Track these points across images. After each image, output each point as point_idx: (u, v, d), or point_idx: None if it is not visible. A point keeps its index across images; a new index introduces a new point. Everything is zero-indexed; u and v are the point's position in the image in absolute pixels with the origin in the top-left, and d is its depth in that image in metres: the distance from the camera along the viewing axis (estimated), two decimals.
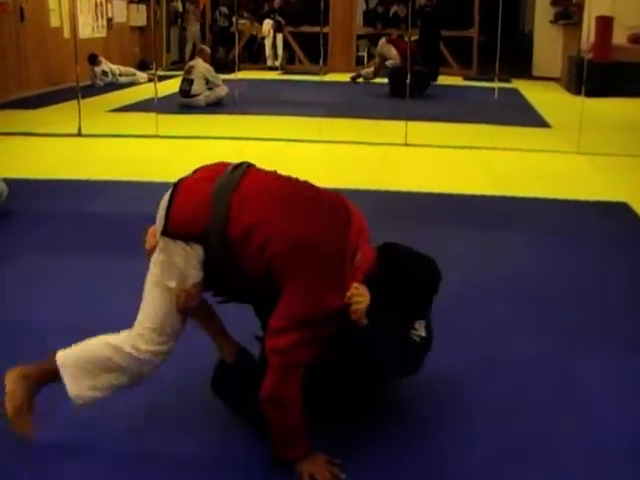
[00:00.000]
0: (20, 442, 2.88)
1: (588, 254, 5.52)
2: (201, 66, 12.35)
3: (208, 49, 13.57)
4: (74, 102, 10.44)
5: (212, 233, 2.79)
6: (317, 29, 17.83)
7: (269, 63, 18.51)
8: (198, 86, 12.28)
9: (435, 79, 15.36)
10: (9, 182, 6.58)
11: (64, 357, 2.96)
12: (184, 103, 12.37)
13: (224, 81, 12.88)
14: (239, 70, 17.38)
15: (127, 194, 7.06)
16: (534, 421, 3.33)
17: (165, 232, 2.86)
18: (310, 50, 18.41)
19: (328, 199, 3.01)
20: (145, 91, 14.07)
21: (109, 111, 12.01)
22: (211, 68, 12.62)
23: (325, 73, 16.85)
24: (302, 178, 3.13)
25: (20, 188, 6.98)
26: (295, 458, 2.88)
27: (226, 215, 2.78)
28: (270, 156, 8.57)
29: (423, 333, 3.15)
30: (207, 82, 12.41)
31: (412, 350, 3.13)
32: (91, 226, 6.13)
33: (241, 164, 3.01)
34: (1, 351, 3.86)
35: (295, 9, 18.72)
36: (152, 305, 2.94)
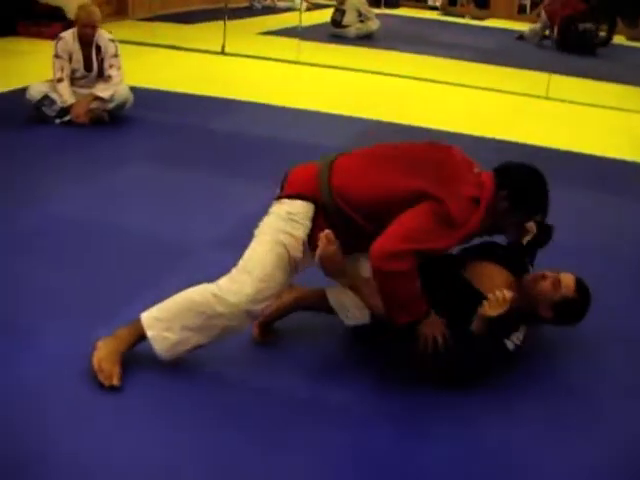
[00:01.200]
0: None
1: None
2: None
3: None
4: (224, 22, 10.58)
5: (322, 191, 3.00)
6: None
7: (430, 2, 18.15)
8: (350, 17, 12.19)
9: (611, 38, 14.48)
10: (143, 91, 6.76)
11: (149, 317, 3.03)
12: (334, 33, 12.33)
13: (381, 15, 12.73)
14: (400, 6, 17.29)
15: (255, 115, 7.13)
16: None
17: (281, 195, 3.06)
18: None
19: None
20: (306, 18, 14.11)
21: (258, 34, 12.08)
22: (364, 1, 12.46)
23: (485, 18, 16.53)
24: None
25: (150, 98, 7.18)
26: (412, 321, 2.92)
27: (329, 176, 3.02)
28: (405, 94, 8.50)
29: (519, 342, 3.20)
30: (359, 14, 12.26)
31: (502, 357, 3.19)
32: (206, 142, 6.23)
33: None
34: (90, 252, 4.02)
35: None
36: (262, 259, 3.01)
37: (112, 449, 2.61)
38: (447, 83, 9.19)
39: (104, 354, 2.96)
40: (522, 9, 18.12)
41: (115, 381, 2.91)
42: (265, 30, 12.31)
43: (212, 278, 3.08)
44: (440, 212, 2.87)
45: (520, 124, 7.70)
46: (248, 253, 3.04)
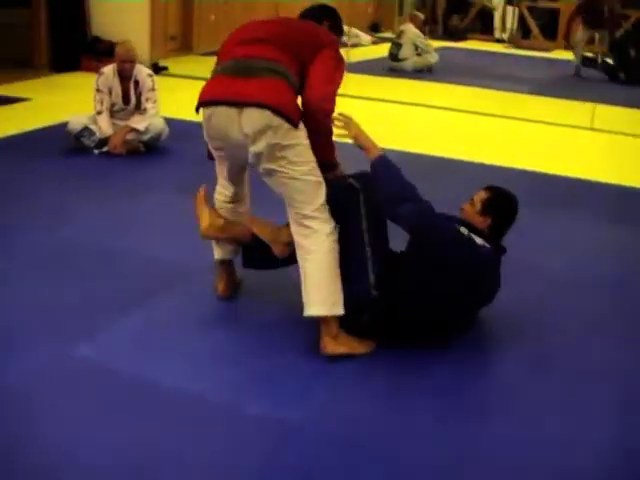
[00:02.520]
0: None
1: None
2: (411, 32, 12.38)
3: (421, 15, 13.52)
4: None
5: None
6: (553, 4, 17.43)
7: (497, 35, 18.19)
8: (407, 51, 12.34)
9: None
10: (189, 124, 7.02)
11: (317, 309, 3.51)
12: (392, 67, 12.50)
13: (443, 48, 12.78)
14: (467, 39, 17.38)
15: None
16: None
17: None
18: (546, 26, 17.98)
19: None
20: (363, 53, 14.34)
21: None
22: (421, 34, 12.63)
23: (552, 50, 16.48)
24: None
25: (194, 130, 7.40)
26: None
27: None
28: (452, 126, 8.59)
29: None
30: (417, 48, 12.41)
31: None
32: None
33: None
34: (91, 271, 4.28)
35: None
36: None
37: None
38: (494, 115, 9.26)
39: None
40: (590, 40, 17.96)
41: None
42: None
43: (207, 299, 3.61)
44: (335, 55, 3.54)
45: (564, 156, 7.68)
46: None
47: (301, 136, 3.40)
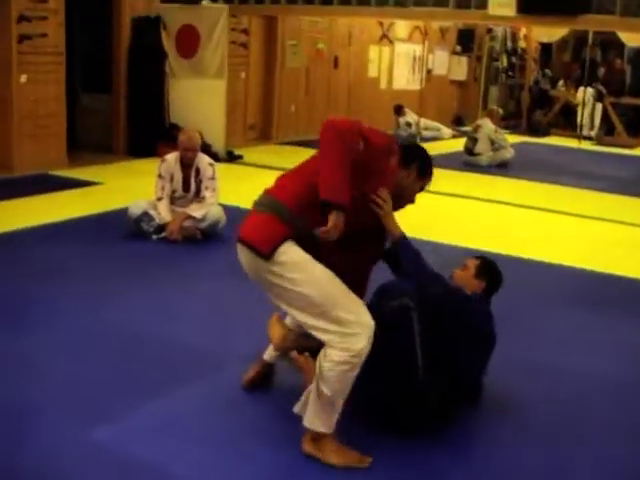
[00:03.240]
0: None
1: None
2: (487, 126, 12.36)
3: (499, 109, 13.53)
4: None
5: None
6: (637, 100, 17.24)
7: (585, 132, 17.95)
8: (482, 145, 12.30)
9: None
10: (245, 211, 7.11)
11: (310, 424, 3.40)
12: (467, 161, 12.46)
13: (523, 144, 12.59)
14: (550, 135, 17.26)
15: None
16: None
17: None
18: (630, 122, 17.77)
19: None
20: (441, 146, 14.34)
21: None
22: (498, 129, 12.58)
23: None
24: None
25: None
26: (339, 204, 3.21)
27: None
28: (521, 223, 8.47)
29: None
30: (492, 143, 12.36)
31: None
32: None
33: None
34: (123, 356, 4.31)
35: (617, 79, 18.06)
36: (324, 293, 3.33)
37: None
38: (564, 213, 9.08)
39: None
40: None
41: None
42: None
43: (233, 392, 3.68)
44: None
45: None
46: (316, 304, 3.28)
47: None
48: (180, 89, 11.13)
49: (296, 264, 3.27)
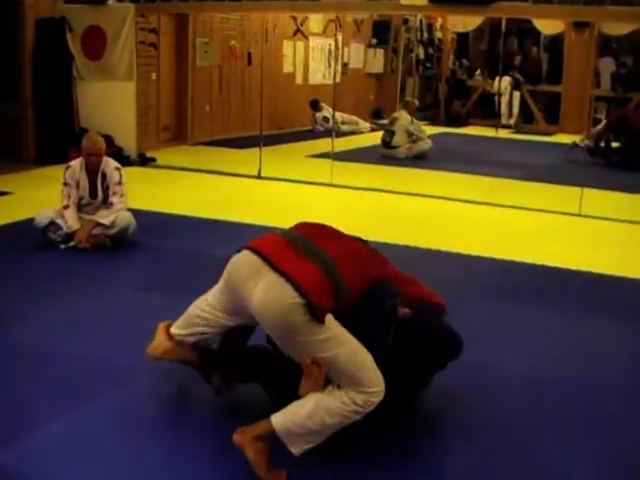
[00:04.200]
0: None
1: None
2: (404, 118, 12.33)
3: (415, 101, 13.53)
4: (280, 146, 11.00)
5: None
6: (555, 88, 17.43)
7: (504, 121, 18.05)
8: (399, 138, 12.27)
9: None
10: (163, 216, 7.07)
11: (280, 426, 3.16)
12: (385, 154, 12.42)
13: (441, 134, 12.58)
14: (469, 124, 17.35)
15: None
16: None
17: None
18: (548, 110, 17.96)
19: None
20: (360, 140, 14.31)
21: (307, 156, 12.25)
22: (415, 120, 12.56)
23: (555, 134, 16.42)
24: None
25: (168, 223, 7.41)
26: None
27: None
28: (440, 215, 8.44)
29: None
30: (410, 135, 12.33)
31: None
32: (201, 268, 6.19)
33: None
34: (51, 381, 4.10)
35: (534, 67, 18.21)
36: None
37: None
38: (482, 203, 9.07)
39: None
40: (597, 123, 17.89)
41: None
42: (316, 153, 12.37)
43: (136, 407, 3.54)
44: None
45: (549, 244, 7.46)
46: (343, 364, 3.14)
47: None
48: (89, 92, 10.84)
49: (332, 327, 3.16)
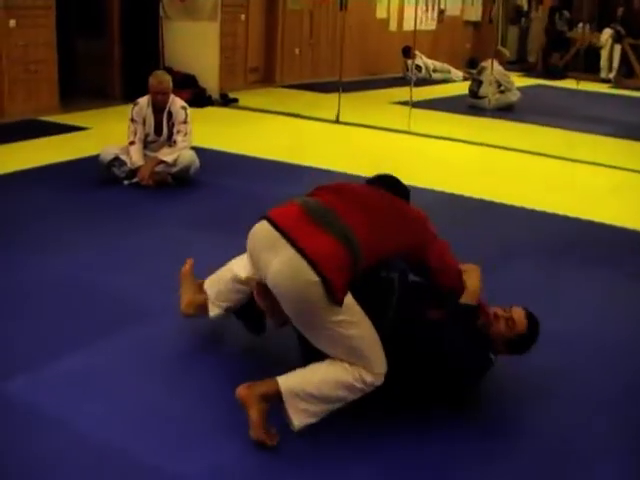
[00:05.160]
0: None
1: None
2: (493, 68, 12.02)
3: (506, 51, 13.18)
4: (366, 92, 11.33)
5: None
6: None
7: (603, 75, 17.51)
8: (486, 88, 11.99)
9: None
10: (227, 155, 7.31)
11: (287, 388, 3.09)
12: (471, 104, 12.19)
13: (535, 86, 12.12)
14: (566, 78, 16.85)
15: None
16: None
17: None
18: None
19: None
20: (449, 89, 14.07)
21: (391, 103, 12.11)
22: (504, 71, 12.27)
23: None
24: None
25: (237, 163, 7.44)
26: None
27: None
28: (519, 169, 8.22)
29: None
30: (498, 85, 12.05)
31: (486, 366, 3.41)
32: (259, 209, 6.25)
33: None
34: (75, 315, 4.17)
35: (637, 19, 17.52)
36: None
37: None
38: (562, 158, 8.80)
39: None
40: None
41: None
42: (402, 100, 12.19)
43: (154, 347, 3.62)
44: None
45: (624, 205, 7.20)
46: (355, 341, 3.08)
47: None
48: (174, 32, 10.90)
49: (350, 307, 3.08)
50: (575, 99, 14.35)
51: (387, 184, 3.56)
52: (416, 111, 10.36)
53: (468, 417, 3.42)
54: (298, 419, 3.07)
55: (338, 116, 10.10)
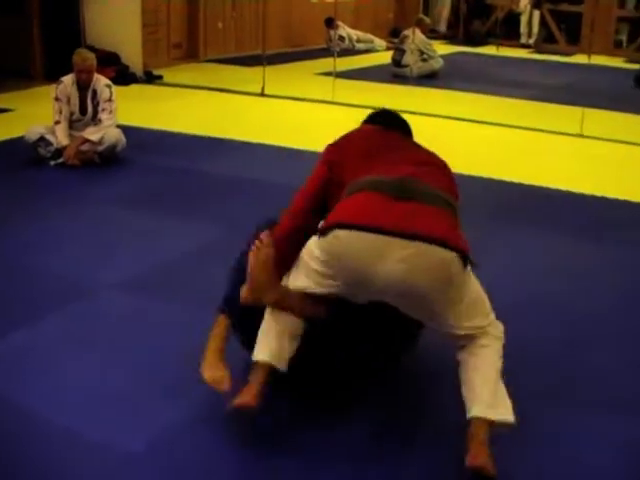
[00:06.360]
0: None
1: None
2: (416, 37, 12.16)
3: (427, 19, 13.32)
4: (290, 64, 11.41)
5: None
6: (577, 8, 17.06)
7: (523, 40, 17.81)
8: (410, 57, 12.12)
9: None
10: (158, 133, 7.47)
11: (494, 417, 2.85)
12: (395, 72, 12.32)
13: (461, 54, 12.29)
14: (488, 44, 17.10)
15: (255, 157, 7.18)
16: None
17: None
18: (569, 29, 17.64)
19: None
20: (373, 59, 14.19)
21: (315, 74, 12.19)
22: (427, 39, 12.41)
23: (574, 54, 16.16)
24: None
25: (161, 140, 7.49)
26: None
27: None
28: (440, 134, 8.34)
29: None
30: (421, 53, 12.20)
31: None
32: (186, 184, 6.32)
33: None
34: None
35: None
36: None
37: None
38: (485, 122, 9.00)
39: None
40: (618, 44, 17.61)
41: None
42: (324, 71, 12.26)
43: (101, 319, 3.67)
44: None
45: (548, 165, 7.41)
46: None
47: None
48: (95, 9, 10.75)
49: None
50: (497, 65, 14.58)
51: (389, 121, 3.48)
52: (340, 81, 10.47)
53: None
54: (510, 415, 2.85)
55: (263, 89, 10.14)
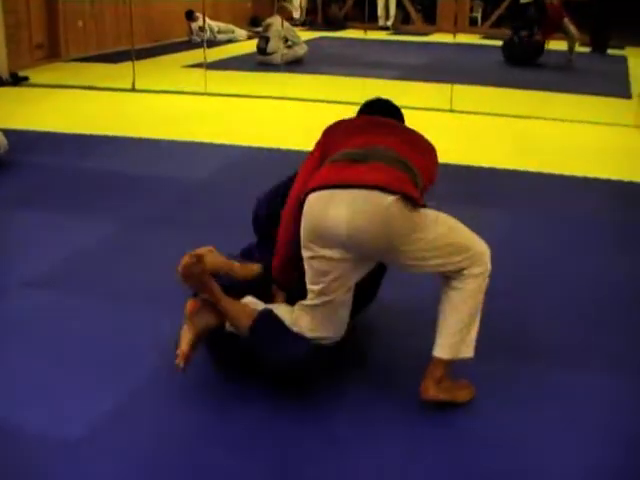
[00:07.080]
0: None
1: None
2: (278, 24, 12.34)
3: (289, 6, 13.56)
4: (157, 58, 11.33)
5: None
6: None
7: (381, 23, 18.25)
8: (275, 44, 12.30)
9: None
10: (32, 134, 7.16)
11: (452, 354, 3.09)
12: (261, 61, 12.46)
13: (319, 39, 12.57)
14: (347, 28, 17.44)
15: (138, 152, 7.21)
16: None
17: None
18: (425, 10, 18.17)
19: None
20: (237, 48, 14.30)
21: (183, 67, 12.22)
22: (289, 26, 12.60)
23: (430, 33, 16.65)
24: None
25: (41, 140, 7.39)
26: None
27: None
28: (315, 117, 8.51)
29: None
30: (285, 40, 12.39)
31: None
32: (71, 182, 6.30)
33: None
34: None
35: None
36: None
37: None
38: (356, 103, 9.17)
39: None
40: (473, 22, 18.26)
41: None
42: (192, 63, 12.32)
43: (17, 318, 3.58)
44: None
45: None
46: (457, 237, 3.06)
47: None
48: None
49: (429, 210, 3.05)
50: (359, 48, 14.94)
51: (382, 110, 3.59)
52: (211, 72, 10.54)
53: None
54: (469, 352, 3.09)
55: (134, 84, 10.12)
